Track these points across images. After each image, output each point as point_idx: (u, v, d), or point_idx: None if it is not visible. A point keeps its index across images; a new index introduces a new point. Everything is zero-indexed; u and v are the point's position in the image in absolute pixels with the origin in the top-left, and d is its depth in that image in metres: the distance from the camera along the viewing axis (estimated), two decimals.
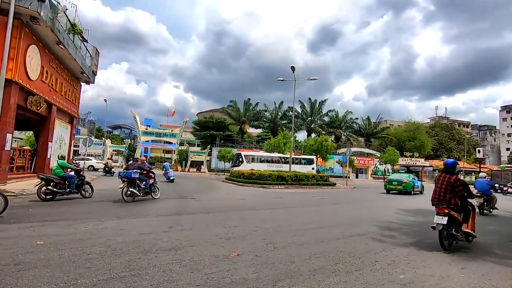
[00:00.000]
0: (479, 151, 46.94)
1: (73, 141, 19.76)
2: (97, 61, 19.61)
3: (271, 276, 3.42)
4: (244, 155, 33.14)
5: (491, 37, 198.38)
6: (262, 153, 36.42)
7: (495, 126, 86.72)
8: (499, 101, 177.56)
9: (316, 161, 37.27)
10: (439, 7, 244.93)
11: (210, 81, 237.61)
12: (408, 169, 47.02)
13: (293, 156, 28.71)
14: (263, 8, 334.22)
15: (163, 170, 20.63)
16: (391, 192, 18.78)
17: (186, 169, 43.08)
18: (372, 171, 47.55)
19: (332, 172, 42.40)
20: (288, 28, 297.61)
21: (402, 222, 7.86)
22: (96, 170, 27.05)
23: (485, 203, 10.51)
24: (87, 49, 17.65)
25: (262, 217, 7.79)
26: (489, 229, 7.77)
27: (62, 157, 9.76)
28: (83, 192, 9.62)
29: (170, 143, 45.58)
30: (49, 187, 8.60)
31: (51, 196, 8.66)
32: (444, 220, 4.90)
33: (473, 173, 50.00)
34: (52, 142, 15.33)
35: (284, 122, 52.50)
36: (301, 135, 55.02)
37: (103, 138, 50.33)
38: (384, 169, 44.58)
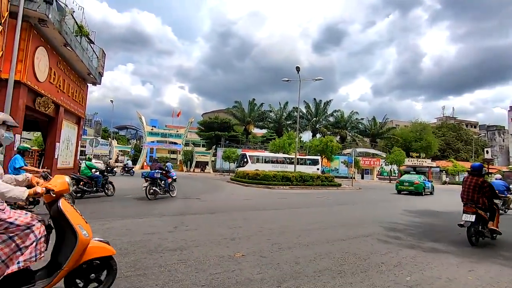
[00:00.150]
0: (487, 152, 46.14)
1: (80, 142, 20.00)
2: (104, 63, 19.83)
3: (276, 277, 3.41)
4: (249, 156, 33.16)
5: (499, 36, 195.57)
6: (267, 154, 36.41)
7: (504, 126, 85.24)
8: (508, 101, 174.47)
9: (321, 162, 37.11)
10: (446, 6, 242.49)
11: (215, 81, 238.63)
12: (414, 170, 46.54)
13: (298, 157, 28.62)
14: (268, 9, 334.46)
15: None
16: (402, 192, 19.02)
17: (191, 170, 43.26)
18: (378, 171, 47.16)
19: (337, 172, 42.15)
20: (293, 28, 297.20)
21: (408, 223, 7.78)
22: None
23: (501, 204, 10.57)
24: (93, 50, 17.87)
25: (267, 217, 7.78)
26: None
27: (89, 159, 10.63)
28: (106, 190, 10.42)
29: (175, 143, 45.79)
30: (80, 186, 9.36)
31: (80, 194, 9.44)
32: (472, 218, 5.39)
33: None
34: (59, 142, 15.54)
35: (289, 122, 52.40)
36: (306, 136, 54.87)
37: (109, 138, 50.83)
38: (390, 170, 44.18)
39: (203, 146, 54.74)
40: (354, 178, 30.92)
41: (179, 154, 45.17)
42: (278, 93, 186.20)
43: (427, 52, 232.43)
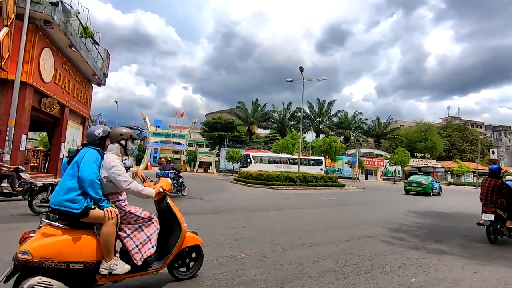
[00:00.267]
0: (493, 152, 45.79)
1: (85, 142, 20.17)
2: (108, 64, 20.00)
3: (279, 278, 3.41)
4: (252, 156, 33.16)
5: (505, 35, 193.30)
6: (270, 154, 36.39)
7: (510, 127, 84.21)
8: None
9: (325, 162, 37.01)
10: (450, 5, 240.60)
11: (218, 82, 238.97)
12: (419, 171, 46.19)
13: (301, 157, 28.56)
14: (271, 9, 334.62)
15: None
16: (410, 193, 19.17)
17: (195, 170, 43.39)
18: (382, 172, 46.89)
19: (341, 173, 42.01)
20: (296, 29, 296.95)
21: (412, 224, 7.72)
22: None
23: None
24: (98, 51, 18.02)
25: (270, 218, 7.78)
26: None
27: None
28: None
29: (179, 144, 45.93)
30: None
31: None
32: (491, 217, 5.72)
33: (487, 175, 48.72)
34: (64, 143, 15.69)
35: (292, 122, 52.34)
36: (310, 136, 54.69)
37: None
38: (395, 171, 43.88)
39: (207, 146, 54.85)
40: (358, 178, 30.76)
41: (183, 154, 45.30)
42: (281, 94, 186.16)
43: (432, 51, 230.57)
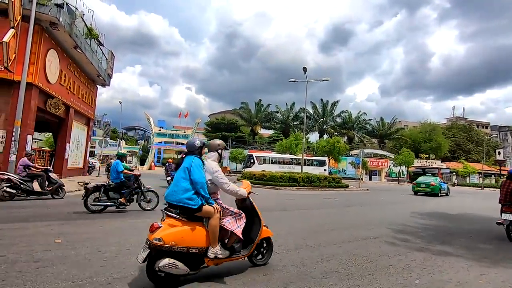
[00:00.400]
0: (499, 153, 45.24)
1: (89, 142, 20.32)
2: (113, 64, 20.13)
3: (282, 279, 3.40)
4: (255, 156, 33.17)
5: (510, 34, 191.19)
6: (273, 154, 36.38)
7: None
8: None
9: (328, 163, 36.88)
10: (455, 4, 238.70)
11: (221, 82, 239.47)
12: (424, 171, 45.82)
13: (305, 158, 28.51)
14: (274, 9, 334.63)
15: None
16: (419, 193, 19.69)
17: None
18: (386, 173, 46.59)
19: (345, 174, 41.83)
20: (299, 29, 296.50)
21: (417, 225, 7.66)
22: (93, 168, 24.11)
23: None
24: (103, 53, 18.15)
25: (273, 218, 7.75)
26: None
27: (124, 161, 11.72)
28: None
29: (182, 144, 46.11)
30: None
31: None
32: (511, 216, 6.10)
33: (493, 176, 48.17)
34: (69, 143, 15.82)
35: (296, 123, 52.29)
36: (313, 136, 54.63)
37: (118, 139, 51.50)
38: (399, 171, 43.59)
39: None
40: (361, 179, 30.62)
41: None
42: (284, 94, 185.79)
43: (436, 51, 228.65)
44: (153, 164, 42.99)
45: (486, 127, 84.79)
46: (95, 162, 27.52)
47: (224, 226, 3.31)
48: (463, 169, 46.26)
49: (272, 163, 33.23)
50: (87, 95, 17.94)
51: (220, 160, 3.63)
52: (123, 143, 48.88)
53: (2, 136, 10.87)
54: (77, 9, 13.42)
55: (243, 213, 3.53)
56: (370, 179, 45.15)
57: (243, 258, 3.55)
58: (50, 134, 24.76)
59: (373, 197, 17.00)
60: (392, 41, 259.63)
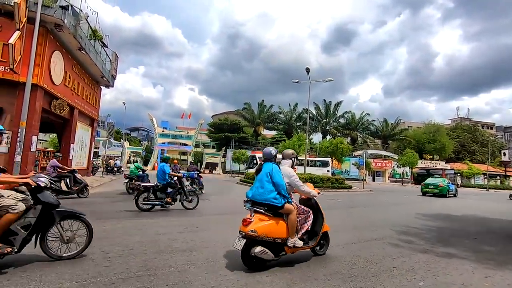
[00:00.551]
0: (504, 154, 44.72)
1: (93, 143, 20.45)
2: (116, 66, 20.27)
3: (286, 280, 3.40)
4: (258, 157, 33.14)
5: None
6: None
7: None
8: None
9: (332, 164, 36.75)
10: (458, 4, 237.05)
11: (224, 83, 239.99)
12: (428, 172, 45.47)
13: (308, 158, 28.43)
14: (276, 10, 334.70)
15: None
16: (427, 194, 20.25)
17: (202, 171, 43.59)
18: (390, 174, 46.30)
19: (348, 174, 41.63)
20: (301, 29, 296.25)
21: (421, 227, 7.60)
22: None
23: None
24: (107, 54, 18.27)
25: None
26: None
27: (137, 161, 12.27)
28: None
29: (185, 145, 46.25)
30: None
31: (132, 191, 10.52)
32: None
33: (498, 177, 47.66)
34: (74, 143, 15.94)
35: (299, 124, 52.14)
36: (316, 137, 54.42)
37: (121, 140, 51.78)
38: (403, 172, 43.30)
39: (213, 147, 55.07)
40: (365, 180, 30.47)
41: (189, 155, 45.57)
42: (287, 94, 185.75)
43: (440, 51, 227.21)
44: (156, 164, 43.16)
45: (491, 128, 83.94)
46: (98, 162, 27.83)
47: (298, 222, 3.98)
48: (468, 170, 45.84)
49: None
50: (91, 96, 18.07)
51: (292, 166, 4.33)
52: (126, 143, 49.12)
53: (8, 136, 10.97)
54: (81, 11, 13.53)
55: (311, 211, 4.15)
56: (373, 180, 44.90)
57: (310, 248, 4.20)
58: (55, 134, 24.95)
59: (376, 198, 16.91)
60: (396, 41, 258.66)
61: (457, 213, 11.22)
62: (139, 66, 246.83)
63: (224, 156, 44.76)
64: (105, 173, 23.19)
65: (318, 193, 4.38)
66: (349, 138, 51.22)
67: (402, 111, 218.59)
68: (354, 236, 6.01)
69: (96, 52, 15.74)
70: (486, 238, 6.66)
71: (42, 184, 3.47)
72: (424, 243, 5.70)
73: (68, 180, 9.48)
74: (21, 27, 10.11)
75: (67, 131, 15.65)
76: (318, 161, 36.08)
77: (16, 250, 3.27)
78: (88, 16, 14.19)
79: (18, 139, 10.31)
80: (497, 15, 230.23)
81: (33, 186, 3.38)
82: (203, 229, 5.94)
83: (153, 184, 8.18)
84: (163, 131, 46.79)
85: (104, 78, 18.17)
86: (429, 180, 22.08)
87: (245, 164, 35.80)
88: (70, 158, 15.52)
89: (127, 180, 11.84)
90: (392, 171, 46.20)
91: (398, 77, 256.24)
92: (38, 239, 3.54)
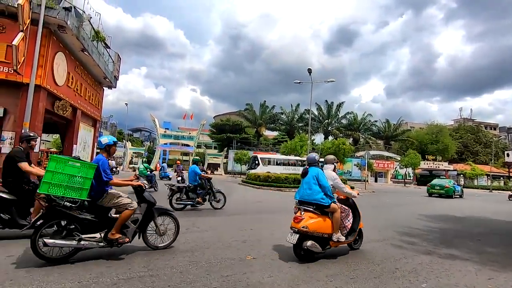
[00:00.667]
0: (508, 155, 44.36)
1: (96, 144, 20.53)
2: (119, 67, 20.33)
3: (287, 281, 3.39)
4: (260, 158, 33.14)
5: None
6: (278, 156, 36.29)
7: None
8: None
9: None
10: (461, 4, 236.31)
11: (226, 84, 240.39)
12: (431, 173, 45.25)
13: None
14: (278, 11, 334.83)
15: (160, 170, 23.17)
16: (433, 195, 20.66)
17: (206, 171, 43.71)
18: (392, 175, 46.16)
19: (350, 175, 41.54)
20: (304, 30, 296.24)
21: (423, 228, 7.57)
22: None
23: None
24: (109, 55, 18.34)
25: (278, 220, 7.75)
26: None
27: (146, 161, 12.33)
28: (155, 188, 13.08)
29: (187, 145, 46.34)
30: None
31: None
32: None
33: (501, 178, 47.34)
34: (76, 144, 16.00)
35: (300, 124, 52.16)
36: (318, 138, 54.36)
37: (124, 140, 51.96)
38: (405, 173, 43.13)
39: (215, 148, 55.14)
40: (367, 181, 30.36)
41: (191, 156, 45.66)
42: (289, 95, 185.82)
43: (442, 52, 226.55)
44: (158, 165, 43.29)
45: (495, 129, 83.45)
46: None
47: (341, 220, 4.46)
48: (471, 171, 45.58)
49: (277, 164, 33.14)
50: (94, 97, 18.14)
51: (334, 169, 4.86)
52: (129, 144, 49.28)
53: (11, 137, 11.03)
54: (84, 12, 13.59)
55: (350, 210, 4.68)
56: (375, 181, 44.78)
57: (350, 242, 4.65)
58: (58, 135, 25.09)
59: (379, 199, 16.84)
60: (398, 41, 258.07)
61: (460, 214, 11.15)
62: (141, 67, 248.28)
63: (226, 157, 44.81)
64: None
65: (358, 193, 4.84)
66: (351, 139, 51.14)
67: (404, 112, 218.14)
68: None
69: (98, 53, 15.80)
70: (489, 239, 6.62)
71: (145, 186, 4.21)
72: (427, 244, 5.67)
73: None
74: (24, 28, 10.17)
75: (70, 131, 15.70)
76: (320, 162, 35.99)
77: (130, 240, 3.95)
78: (91, 17, 14.24)
79: None
80: (500, 16, 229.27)
81: (141, 188, 4.14)
82: (204, 230, 5.94)
83: (186, 185, 8.61)
84: (165, 131, 46.92)
85: (107, 79, 18.23)
86: (435, 181, 22.49)
87: (247, 165, 35.79)
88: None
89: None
90: (395, 172, 46.05)
91: (400, 77, 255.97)
92: (141, 232, 4.21)
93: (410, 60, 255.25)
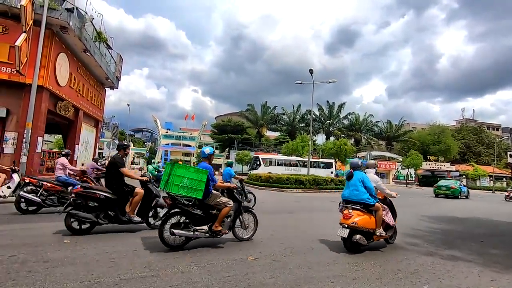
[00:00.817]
0: (510, 155, 44.16)
1: (98, 144, 20.60)
2: (121, 67, 20.39)
3: (289, 282, 3.38)
4: (261, 158, 33.13)
5: None
6: (279, 157, 36.28)
7: None
8: None
9: (335, 165, 36.62)
10: (463, 5, 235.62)
11: (227, 85, 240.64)
12: (433, 174, 45.09)
13: (311, 160, 28.36)
14: (279, 11, 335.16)
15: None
16: (439, 196, 20.96)
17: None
18: (394, 175, 46.00)
19: None
20: (305, 30, 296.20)
21: (426, 229, 7.54)
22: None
23: None
24: (111, 56, 18.40)
25: (279, 221, 7.74)
26: None
27: (154, 162, 12.50)
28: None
29: (189, 146, 46.42)
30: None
31: None
32: None
33: (504, 179, 47.08)
34: (78, 144, 16.06)
35: (302, 125, 52.12)
36: (320, 139, 54.35)
37: (125, 141, 52.15)
38: (407, 174, 42.98)
39: (217, 148, 55.17)
40: None
41: (193, 156, 45.72)
42: (290, 96, 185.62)
43: (444, 52, 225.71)
44: (160, 165, 43.39)
45: (497, 129, 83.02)
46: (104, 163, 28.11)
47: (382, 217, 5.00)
48: (473, 172, 45.36)
49: (278, 165, 33.13)
50: (96, 97, 18.20)
51: (376, 173, 5.46)
52: (131, 145, 49.46)
53: (14, 138, 11.09)
54: (86, 13, 13.64)
55: (388, 208, 5.25)
56: None
57: (385, 237, 5.09)
58: (60, 136, 25.18)
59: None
60: (400, 42, 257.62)
61: (462, 215, 11.10)
62: (143, 68, 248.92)
63: (228, 157, 44.79)
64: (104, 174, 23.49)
65: (396, 194, 5.38)
66: (352, 140, 51.05)
67: (406, 113, 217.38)
68: None
69: (100, 54, 15.86)
70: (492, 240, 6.58)
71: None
72: (429, 246, 5.64)
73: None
74: (27, 29, 10.23)
75: (72, 132, 15.77)
76: (322, 162, 35.97)
77: (227, 232, 4.74)
78: (93, 18, 14.29)
79: (24, 140, 10.42)
80: (502, 16, 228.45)
81: (232, 189, 5.25)
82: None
83: None
84: (166, 132, 47.03)
85: (109, 80, 18.30)
86: (442, 182, 22.93)
87: (248, 165, 35.78)
88: (75, 159, 15.63)
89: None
90: (396, 173, 45.89)
91: (402, 78, 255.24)
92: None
93: (412, 60, 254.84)
